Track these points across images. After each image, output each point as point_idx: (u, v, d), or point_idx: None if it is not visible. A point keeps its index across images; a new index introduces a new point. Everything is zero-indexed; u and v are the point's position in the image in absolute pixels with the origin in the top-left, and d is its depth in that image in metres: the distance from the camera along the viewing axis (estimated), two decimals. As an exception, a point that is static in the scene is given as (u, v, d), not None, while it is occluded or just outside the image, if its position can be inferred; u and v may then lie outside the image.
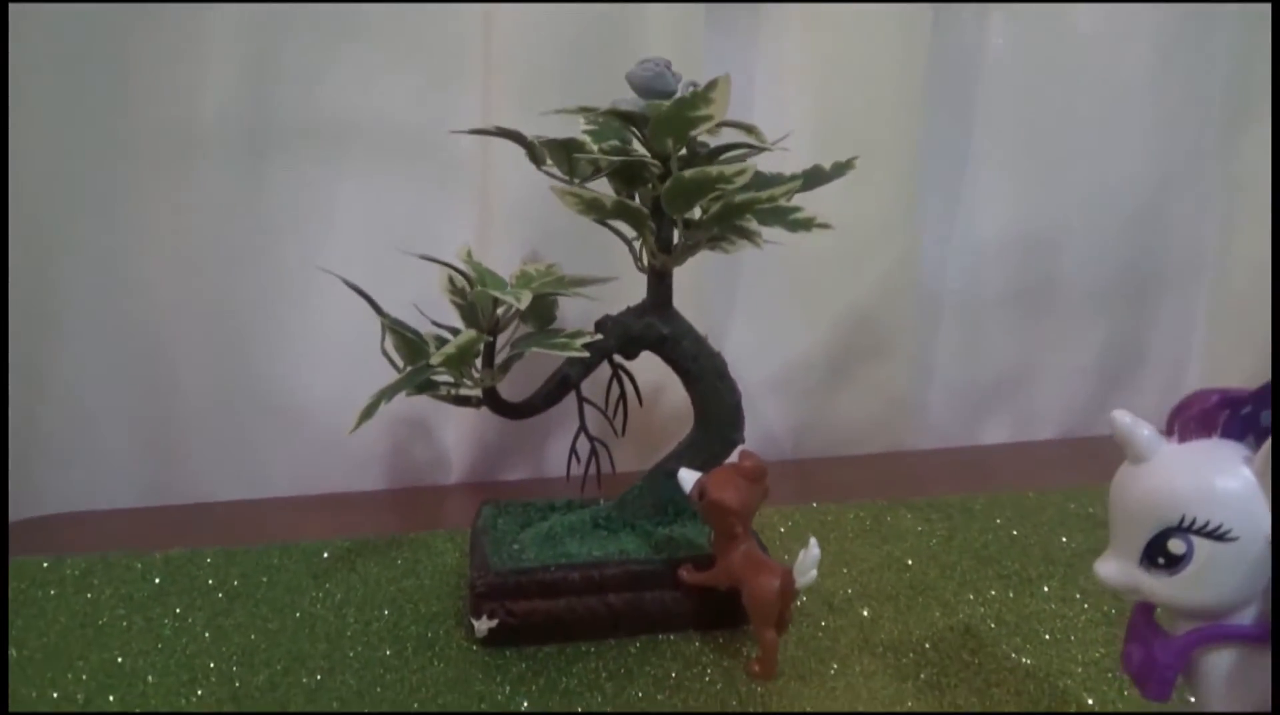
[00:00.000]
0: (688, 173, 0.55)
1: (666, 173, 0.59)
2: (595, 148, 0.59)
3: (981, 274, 0.99)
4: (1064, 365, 1.02)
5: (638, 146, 0.61)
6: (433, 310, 0.67)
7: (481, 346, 0.60)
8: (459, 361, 0.57)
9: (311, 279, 0.85)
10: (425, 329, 0.65)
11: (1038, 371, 1.02)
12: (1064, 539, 0.75)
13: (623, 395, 0.68)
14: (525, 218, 0.83)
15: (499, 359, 0.62)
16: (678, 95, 0.62)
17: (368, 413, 0.57)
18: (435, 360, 0.56)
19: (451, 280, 0.66)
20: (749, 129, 0.64)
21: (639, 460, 0.77)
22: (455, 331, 0.66)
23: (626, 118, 0.60)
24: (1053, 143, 0.96)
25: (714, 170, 0.55)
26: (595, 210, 0.59)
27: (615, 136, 0.62)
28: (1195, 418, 0.41)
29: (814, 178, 0.64)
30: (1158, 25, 0.94)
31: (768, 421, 0.96)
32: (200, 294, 0.84)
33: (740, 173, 0.55)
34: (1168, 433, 0.42)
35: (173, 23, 0.78)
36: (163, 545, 0.74)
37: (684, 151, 0.60)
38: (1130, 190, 0.99)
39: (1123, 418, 0.42)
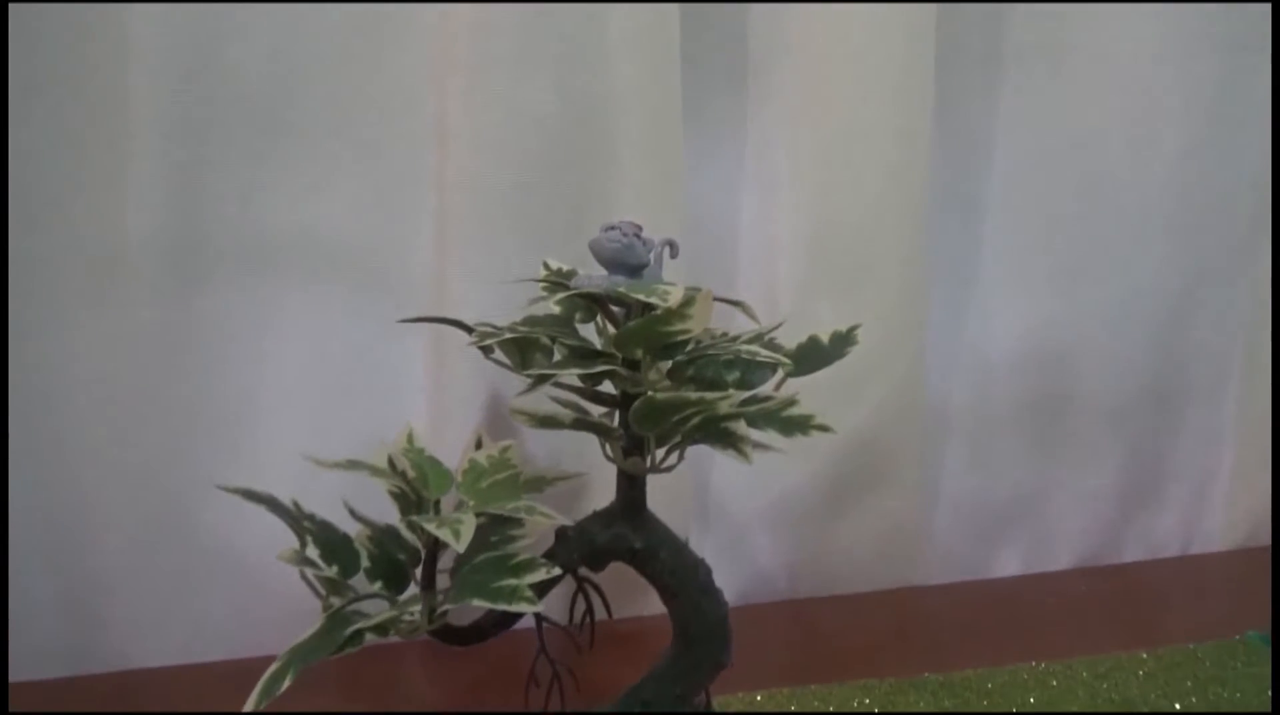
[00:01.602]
0: (660, 396, 0.46)
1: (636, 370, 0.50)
2: (551, 343, 0.50)
3: (991, 390, 0.90)
4: (1081, 486, 0.93)
5: (607, 327, 0.52)
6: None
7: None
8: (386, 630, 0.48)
9: (245, 415, 0.77)
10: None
11: (1053, 493, 0.93)
12: (1099, 741, 0.66)
13: (589, 609, 0.58)
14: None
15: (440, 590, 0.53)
16: (650, 266, 0.52)
17: (272, 683, 0.46)
18: (365, 627, 0.47)
19: (391, 462, 0.57)
20: (738, 304, 0.55)
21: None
22: (391, 528, 0.57)
23: (591, 299, 0.51)
24: (1067, 249, 0.88)
25: (693, 396, 0.46)
26: (551, 425, 0.49)
27: (582, 311, 0.53)
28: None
29: (809, 358, 0.55)
30: (1178, 130, 0.86)
31: (761, 559, 0.87)
32: (123, 431, 0.75)
33: (724, 399, 0.45)
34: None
35: (91, 124, 0.69)
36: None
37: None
38: (1150, 299, 0.90)
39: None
